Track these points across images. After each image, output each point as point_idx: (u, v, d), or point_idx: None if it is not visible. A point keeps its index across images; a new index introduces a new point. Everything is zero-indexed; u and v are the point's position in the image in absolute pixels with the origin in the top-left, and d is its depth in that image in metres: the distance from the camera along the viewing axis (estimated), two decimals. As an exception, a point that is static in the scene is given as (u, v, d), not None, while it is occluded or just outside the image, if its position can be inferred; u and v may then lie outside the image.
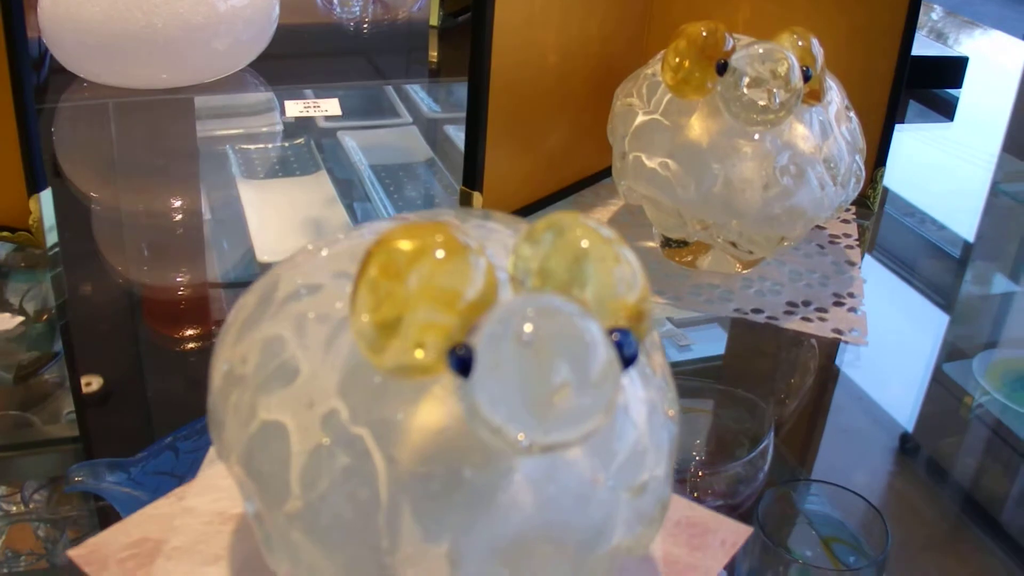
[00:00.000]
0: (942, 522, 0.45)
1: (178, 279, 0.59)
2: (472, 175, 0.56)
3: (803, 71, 0.48)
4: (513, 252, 0.27)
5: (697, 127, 0.50)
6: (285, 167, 0.72)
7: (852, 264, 0.58)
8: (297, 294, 0.29)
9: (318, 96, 0.80)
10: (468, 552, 0.25)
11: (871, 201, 0.65)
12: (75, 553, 0.32)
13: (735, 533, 0.34)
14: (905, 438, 0.49)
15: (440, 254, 0.25)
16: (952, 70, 0.92)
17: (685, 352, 0.53)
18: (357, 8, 1.19)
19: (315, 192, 0.68)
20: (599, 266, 0.26)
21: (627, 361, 0.25)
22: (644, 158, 0.52)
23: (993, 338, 0.58)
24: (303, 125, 0.77)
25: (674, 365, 0.50)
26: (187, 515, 0.34)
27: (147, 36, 0.74)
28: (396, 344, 0.24)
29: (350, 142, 0.74)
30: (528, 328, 0.24)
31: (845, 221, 0.64)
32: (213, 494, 0.34)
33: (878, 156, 0.64)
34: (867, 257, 0.61)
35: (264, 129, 0.77)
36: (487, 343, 0.24)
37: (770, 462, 0.42)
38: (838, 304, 0.54)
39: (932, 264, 0.65)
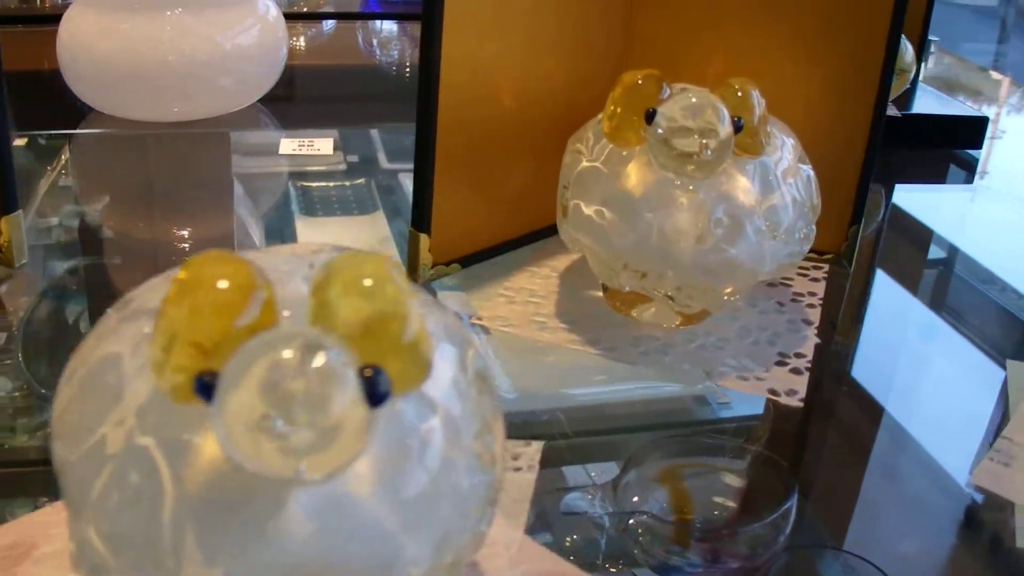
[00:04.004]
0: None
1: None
2: (419, 216, 0.56)
3: (734, 121, 0.47)
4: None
5: (633, 176, 0.50)
6: (344, 206, 0.74)
7: (809, 324, 0.57)
8: (137, 313, 0.30)
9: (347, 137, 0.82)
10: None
11: (846, 260, 0.63)
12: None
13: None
14: (951, 517, 0.46)
15: (222, 284, 0.26)
16: (969, 129, 0.89)
17: (724, 409, 0.53)
18: (396, 52, 1.23)
19: (370, 231, 0.70)
20: (369, 303, 0.25)
21: (377, 400, 0.25)
22: (583, 205, 0.51)
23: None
24: (367, 166, 0.80)
25: (709, 423, 0.51)
26: (65, 524, 0.35)
27: (153, 71, 0.77)
28: (168, 367, 0.25)
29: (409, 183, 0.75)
30: (269, 361, 0.24)
31: (814, 280, 0.62)
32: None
33: (854, 214, 0.63)
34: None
35: (326, 168, 0.79)
36: (228, 372, 0.24)
37: (794, 526, 0.42)
38: (781, 364, 0.52)
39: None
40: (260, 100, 0.86)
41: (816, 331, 0.56)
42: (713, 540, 0.42)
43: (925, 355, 0.61)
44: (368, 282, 0.25)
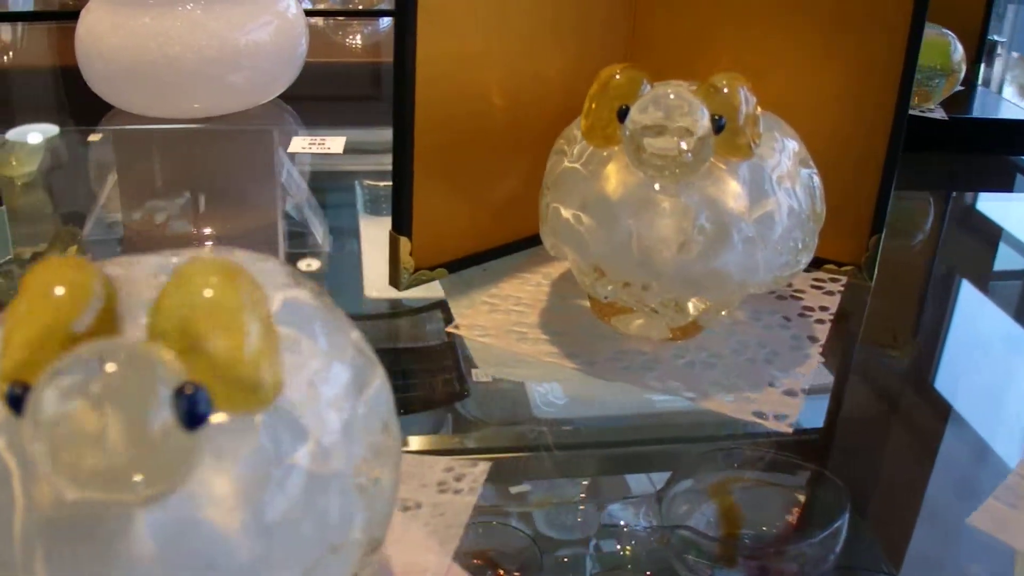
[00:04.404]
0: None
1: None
2: (398, 219, 0.54)
3: (715, 120, 0.43)
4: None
5: (612, 178, 0.46)
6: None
7: (814, 341, 0.52)
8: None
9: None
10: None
11: (864, 272, 0.59)
12: None
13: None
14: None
15: (57, 291, 0.24)
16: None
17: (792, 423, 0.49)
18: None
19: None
20: (200, 316, 0.23)
21: (194, 421, 0.22)
22: (561, 209, 0.48)
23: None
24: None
25: (767, 436, 0.47)
26: None
27: (162, 67, 0.76)
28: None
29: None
30: (79, 375, 0.22)
31: (829, 293, 0.58)
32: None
33: (874, 223, 0.58)
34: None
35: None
36: (39, 385, 0.22)
37: (849, 548, 0.40)
38: (773, 385, 0.48)
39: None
40: (286, 97, 0.85)
41: (821, 349, 0.52)
42: (760, 557, 0.40)
43: (962, 373, 0.56)
44: (207, 293, 0.23)
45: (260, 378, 0.23)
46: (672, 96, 0.43)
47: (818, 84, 0.58)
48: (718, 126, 0.43)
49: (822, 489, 0.44)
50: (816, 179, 0.50)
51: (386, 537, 0.29)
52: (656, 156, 0.43)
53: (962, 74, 0.82)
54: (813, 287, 0.58)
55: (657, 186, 0.45)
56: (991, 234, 0.74)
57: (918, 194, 0.80)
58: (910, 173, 0.81)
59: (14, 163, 0.85)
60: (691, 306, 0.49)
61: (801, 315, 0.55)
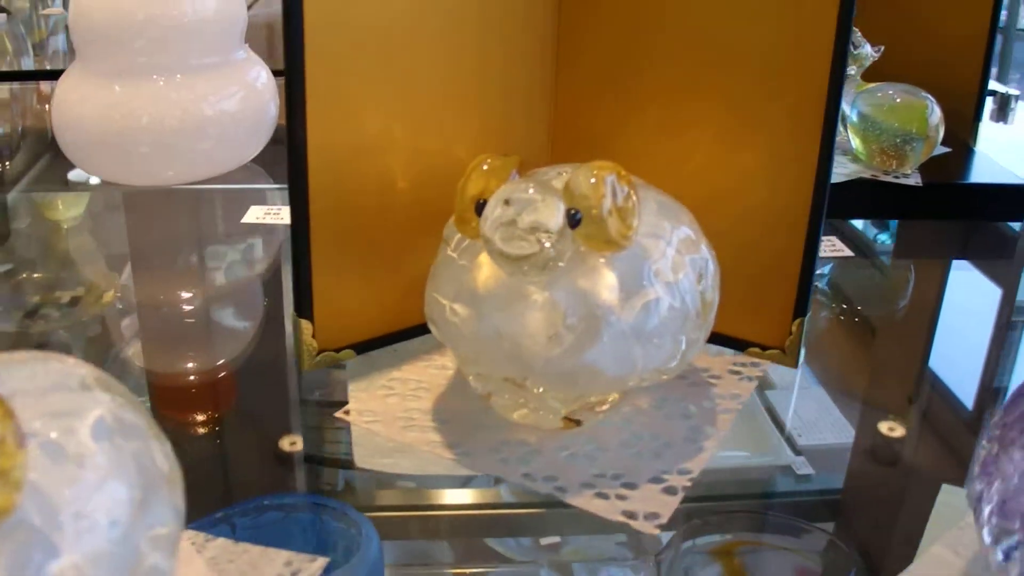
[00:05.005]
0: None
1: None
2: (299, 301, 0.53)
3: (571, 215, 0.42)
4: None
5: (485, 269, 0.45)
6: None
7: (712, 434, 0.50)
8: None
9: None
10: None
11: (788, 356, 0.56)
12: None
13: None
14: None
15: None
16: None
17: (802, 483, 0.50)
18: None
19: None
20: None
21: None
22: (439, 298, 0.47)
23: None
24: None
25: (782, 496, 0.49)
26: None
27: (131, 136, 0.78)
28: None
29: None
30: None
31: (748, 379, 0.56)
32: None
33: (797, 305, 0.56)
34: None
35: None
36: None
37: None
38: (656, 481, 0.47)
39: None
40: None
41: (717, 444, 0.50)
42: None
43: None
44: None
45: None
46: (526, 191, 0.42)
47: (740, 161, 0.56)
48: (574, 220, 0.42)
49: (832, 555, 0.44)
50: (711, 265, 0.48)
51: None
52: (505, 255, 0.42)
53: (940, 137, 0.79)
54: (732, 371, 0.56)
55: (527, 279, 0.44)
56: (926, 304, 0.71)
57: (901, 261, 0.77)
58: (875, 242, 0.79)
59: (61, 207, 0.88)
60: (559, 404, 0.47)
61: (709, 403, 0.53)
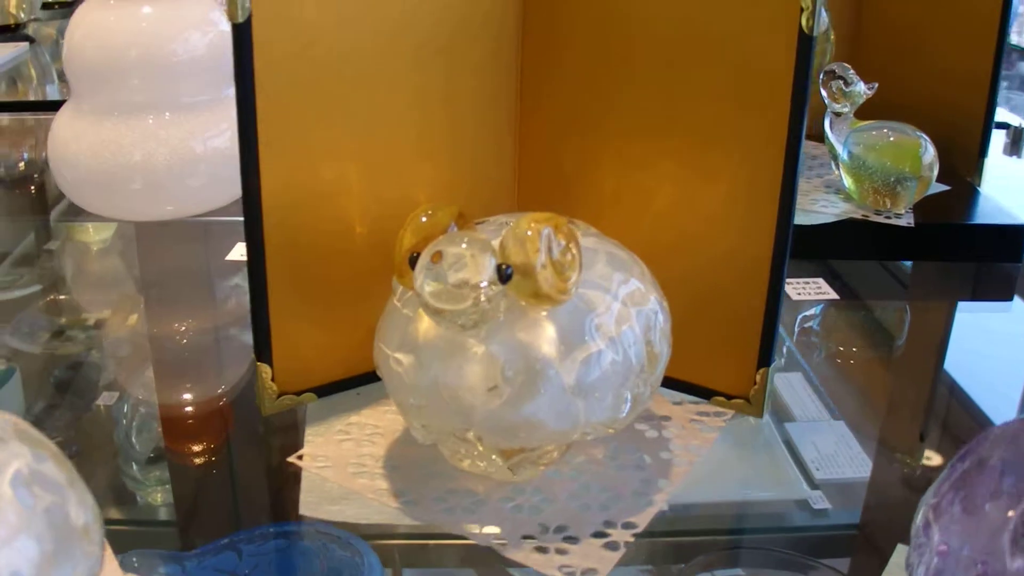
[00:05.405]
0: None
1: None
2: (258, 346, 0.54)
3: (502, 270, 0.42)
4: None
5: (428, 320, 0.45)
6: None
7: (663, 488, 0.50)
8: None
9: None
10: None
11: (753, 405, 0.55)
12: None
13: None
14: None
15: None
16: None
17: (818, 518, 0.50)
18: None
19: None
20: None
21: None
22: (383, 347, 0.47)
23: None
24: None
25: (795, 530, 0.49)
26: None
27: (124, 174, 0.79)
28: None
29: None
30: None
31: (710, 429, 0.55)
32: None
33: (761, 354, 0.55)
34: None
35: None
36: None
37: None
38: (599, 536, 0.46)
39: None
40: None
41: (666, 497, 0.49)
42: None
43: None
44: None
45: None
46: (459, 245, 0.42)
47: (704, 207, 0.55)
48: (504, 276, 0.42)
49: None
50: (661, 317, 0.48)
51: None
52: (435, 310, 0.42)
53: (934, 176, 0.78)
54: (694, 421, 0.55)
55: (465, 333, 0.44)
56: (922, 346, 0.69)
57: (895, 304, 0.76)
58: (865, 283, 0.78)
59: (91, 230, 0.89)
60: (499, 457, 0.47)
61: (665, 455, 0.52)
